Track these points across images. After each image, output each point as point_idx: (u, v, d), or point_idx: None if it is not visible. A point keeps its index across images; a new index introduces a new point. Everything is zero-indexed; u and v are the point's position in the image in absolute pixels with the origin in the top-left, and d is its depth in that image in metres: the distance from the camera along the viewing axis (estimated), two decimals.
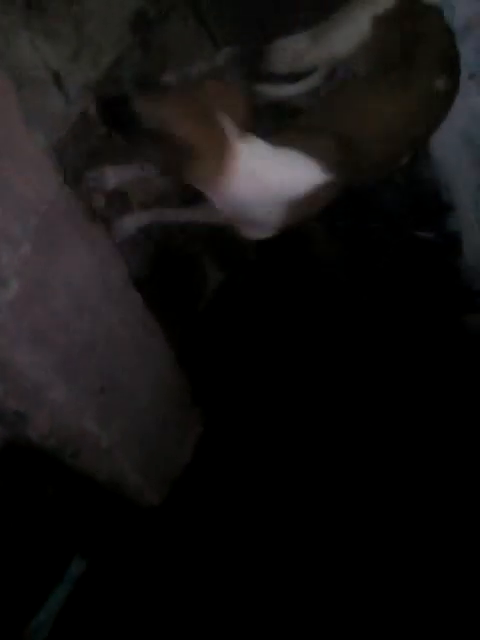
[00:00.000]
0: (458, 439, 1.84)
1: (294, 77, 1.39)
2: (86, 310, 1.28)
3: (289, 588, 1.63)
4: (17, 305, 1.09)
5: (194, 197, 1.67)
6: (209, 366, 1.88)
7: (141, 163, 1.43)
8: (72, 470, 1.45)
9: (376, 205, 1.80)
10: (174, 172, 1.14)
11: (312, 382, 1.96)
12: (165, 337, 1.61)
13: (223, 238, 1.77)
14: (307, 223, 1.50)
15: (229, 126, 1.11)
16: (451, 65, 1.31)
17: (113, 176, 1.40)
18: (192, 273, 1.95)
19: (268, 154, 1.18)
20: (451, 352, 1.97)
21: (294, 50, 1.32)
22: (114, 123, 1.13)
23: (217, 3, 1.49)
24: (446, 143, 1.50)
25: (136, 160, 1.45)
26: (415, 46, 1.25)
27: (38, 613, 1.52)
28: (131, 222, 1.49)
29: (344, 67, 1.32)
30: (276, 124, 1.39)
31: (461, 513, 1.69)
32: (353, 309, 2.09)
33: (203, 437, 1.81)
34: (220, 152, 1.11)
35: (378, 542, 1.67)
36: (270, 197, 1.21)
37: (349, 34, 1.26)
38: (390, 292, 2.03)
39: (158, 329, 1.58)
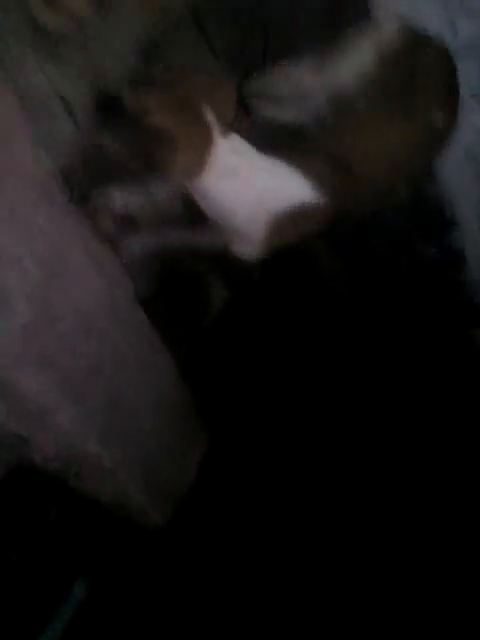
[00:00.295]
0: (464, 453, 1.83)
1: (294, 100, 1.40)
2: (93, 332, 1.28)
3: (294, 611, 1.61)
4: (25, 329, 1.09)
5: (199, 219, 1.69)
6: (214, 384, 1.88)
7: (148, 186, 1.44)
8: (75, 491, 1.45)
9: (378, 221, 1.80)
10: (158, 166, 1.12)
11: (317, 399, 1.95)
12: (170, 355, 1.61)
13: (228, 257, 1.78)
14: (304, 241, 1.51)
15: (213, 120, 1.11)
16: (451, 100, 1.33)
17: (119, 197, 1.41)
18: (197, 291, 1.95)
19: (252, 156, 1.19)
20: (456, 367, 1.96)
21: (296, 76, 1.33)
22: (108, 122, 1.13)
23: (220, 19, 1.50)
24: (449, 160, 1.51)
25: (143, 182, 1.46)
26: (416, 79, 1.27)
27: (41, 636, 1.50)
28: (137, 243, 1.49)
29: (345, 95, 1.33)
30: (276, 143, 1.40)
31: (468, 532, 1.68)
32: (357, 326, 2.08)
33: (207, 456, 1.81)
34: (201, 145, 1.12)
35: (383, 567, 1.66)
36: (251, 200, 1.21)
37: (352, 64, 1.28)
38: (394, 308, 2.03)
39: (163, 348, 1.58)
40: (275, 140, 1.27)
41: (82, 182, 1.33)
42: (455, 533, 1.68)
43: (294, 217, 1.25)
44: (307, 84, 1.32)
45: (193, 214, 1.68)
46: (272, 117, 1.53)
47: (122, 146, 1.13)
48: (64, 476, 1.37)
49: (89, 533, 1.62)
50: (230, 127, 1.15)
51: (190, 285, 1.93)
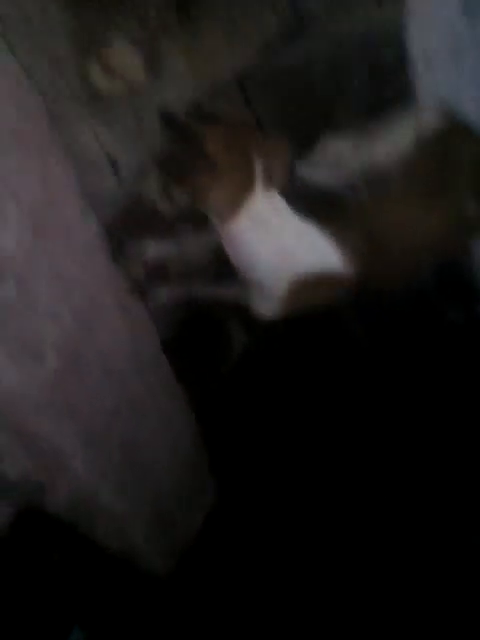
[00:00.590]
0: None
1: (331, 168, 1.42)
2: (115, 379, 1.29)
3: None
4: (52, 379, 1.10)
5: (226, 273, 1.72)
6: (227, 433, 1.86)
7: (181, 239, 1.47)
8: (82, 537, 1.43)
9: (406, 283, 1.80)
10: (197, 196, 1.16)
11: (331, 456, 1.92)
12: (187, 403, 1.61)
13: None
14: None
15: (260, 172, 1.15)
16: None
17: (154, 248, 1.44)
18: (218, 336, 1.97)
19: (286, 214, 1.21)
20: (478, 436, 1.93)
21: (336, 152, 1.36)
22: (172, 136, 1.16)
23: (264, 87, 1.56)
24: None
25: (178, 236, 1.50)
26: (452, 167, 1.28)
27: None
28: (165, 295, 1.51)
29: (380, 174, 1.35)
30: (312, 207, 1.42)
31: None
32: (378, 383, 2.07)
33: (216, 506, 1.78)
34: (241, 188, 1.14)
35: (391, 613, 1.62)
36: (276, 256, 1.22)
37: (392, 146, 1.30)
38: (417, 370, 2.01)
39: (181, 395, 1.58)
40: (312, 204, 1.28)
41: (120, 233, 1.36)
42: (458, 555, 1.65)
43: (317, 282, 1.25)
44: (345, 158, 1.35)
45: (221, 268, 1.72)
46: (308, 179, 1.57)
47: (172, 163, 1.17)
48: (74, 521, 1.36)
49: (89, 579, 1.60)
50: (273, 186, 1.18)
51: (211, 329, 1.94)
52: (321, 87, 1.44)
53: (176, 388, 1.53)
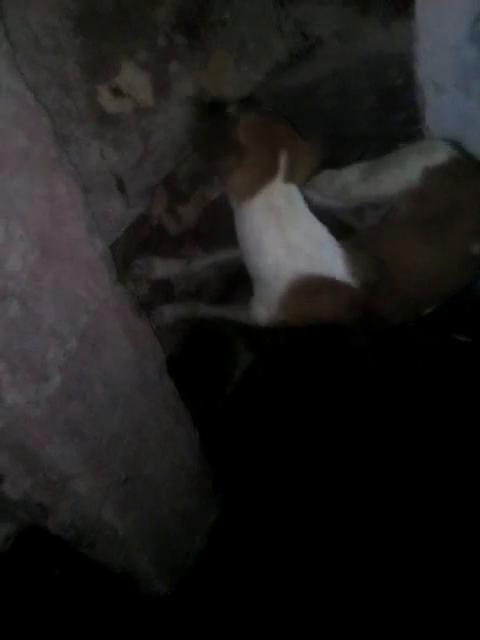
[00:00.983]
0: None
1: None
2: (120, 401, 1.28)
3: None
4: (56, 399, 1.09)
5: (230, 293, 1.72)
6: (233, 451, 1.85)
7: (188, 258, 1.47)
8: (84, 557, 1.41)
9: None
10: (221, 174, 1.22)
11: (339, 475, 1.90)
12: (192, 424, 1.59)
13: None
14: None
15: (283, 165, 1.20)
16: None
17: (160, 267, 1.44)
18: (223, 355, 1.95)
19: (301, 210, 1.23)
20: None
21: (343, 182, 1.37)
22: (205, 116, 1.26)
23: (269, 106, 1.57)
24: None
25: (183, 255, 1.50)
26: (460, 206, 1.28)
27: None
28: (170, 312, 1.52)
29: (387, 206, 1.35)
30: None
31: None
32: (384, 403, 2.05)
33: (220, 523, 1.76)
34: (262, 173, 1.19)
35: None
36: (283, 248, 1.22)
37: (399, 179, 1.30)
38: (424, 390, 1.99)
39: (185, 415, 1.57)
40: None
41: (126, 252, 1.36)
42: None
43: (318, 287, 1.24)
44: (352, 190, 1.35)
45: (225, 286, 1.72)
46: (316, 204, 1.58)
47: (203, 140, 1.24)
48: (76, 544, 1.34)
49: (91, 598, 1.58)
50: (294, 181, 1.22)
51: (217, 348, 1.93)
52: (330, 110, 1.45)
53: (180, 408, 1.52)
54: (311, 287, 1.23)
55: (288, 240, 1.21)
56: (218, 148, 1.17)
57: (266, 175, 1.18)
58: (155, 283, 1.49)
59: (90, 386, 1.17)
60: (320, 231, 1.24)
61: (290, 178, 1.20)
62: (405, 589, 1.68)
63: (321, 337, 1.98)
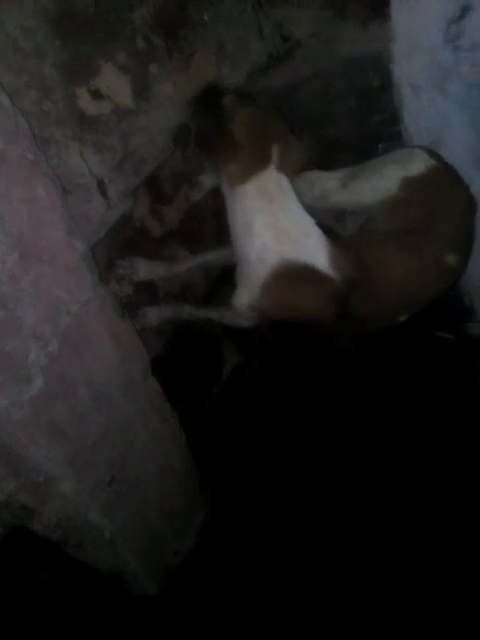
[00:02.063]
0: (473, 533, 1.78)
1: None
2: (104, 403, 1.28)
3: None
4: (39, 401, 1.09)
5: (216, 294, 1.72)
6: (220, 450, 1.85)
7: (171, 260, 1.48)
8: (72, 558, 1.41)
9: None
10: (213, 160, 1.26)
11: (325, 471, 1.92)
12: (178, 425, 1.60)
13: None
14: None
15: (276, 155, 1.24)
16: (465, 245, 1.36)
17: (143, 268, 1.44)
18: (210, 355, 1.96)
19: (291, 199, 1.26)
20: (469, 453, 1.92)
21: (322, 189, 1.38)
22: (202, 107, 1.29)
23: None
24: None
25: (167, 256, 1.50)
26: (436, 216, 1.30)
27: None
28: (154, 314, 1.52)
29: (365, 213, 1.37)
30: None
31: None
32: (370, 401, 2.06)
33: (208, 523, 1.77)
34: (255, 164, 1.22)
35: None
36: (270, 232, 1.24)
37: (377, 187, 1.32)
38: (410, 388, 2.01)
39: (172, 416, 1.57)
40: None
41: (109, 254, 1.37)
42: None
43: (302, 276, 1.25)
44: (331, 197, 1.37)
45: (210, 288, 1.72)
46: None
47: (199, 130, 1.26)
48: (63, 545, 1.34)
49: (80, 599, 1.58)
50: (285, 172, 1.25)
51: (203, 349, 1.93)
52: (310, 111, 1.46)
53: (166, 408, 1.52)
54: (294, 274, 1.25)
55: (277, 224, 1.23)
56: (214, 143, 1.21)
57: (259, 164, 1.22)
58: (139, 285, 1.49)
59: (73, 387, 1.17)
60: (308, 221, 1.26)
61: (282, 168, 1.24)
62: (394, 587, 1.70)
63: (307, 336, 2.00)
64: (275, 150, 1.23)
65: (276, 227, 1.23)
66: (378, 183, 1.31)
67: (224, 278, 1.68)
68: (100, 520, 1.38)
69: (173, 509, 1.64)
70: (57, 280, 1.04)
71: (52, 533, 1.27)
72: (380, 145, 1.39)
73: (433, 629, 1.61)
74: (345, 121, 1.44)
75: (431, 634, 1.61)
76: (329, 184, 1.37)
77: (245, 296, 1.32)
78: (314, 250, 1.24)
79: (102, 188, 1.15)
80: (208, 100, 1.27)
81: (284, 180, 1.25)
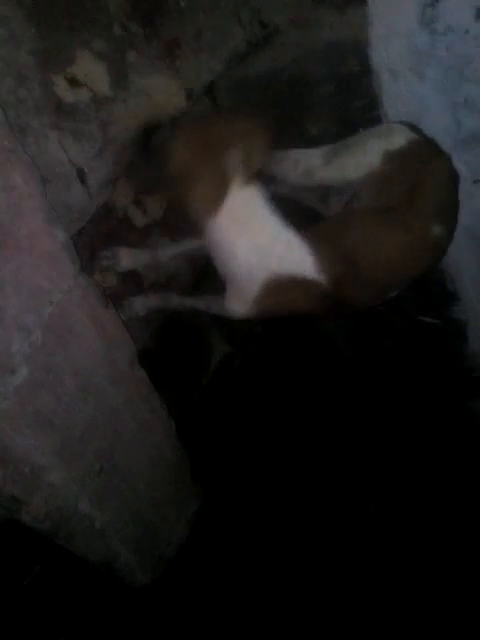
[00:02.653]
0: (460, 520, 1.80)
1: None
2: (91, 392, 1.28)
3: None
4: (24, 391, 1.09)
5: (202, 282, 1.72)
6: (210, 441, 1.86)
7: (155, 248, 1.47)
8: (63, 549, 1.41)
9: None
10: (177, 201, 1.19)
11: (315, 460, 1.93)
12: (167, 414, 1.60)
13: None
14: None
15: (234, 168, 1.16)
16: (449, 216, 1.36)
17: (126, 258, 1.44)
18: (198, 345, 1.96)
19: (264, 213, 1.22)
20: (454, 437, 1.95)
21: (306, 166, 1.38)
22: (146, 153, 1.22)
23: (236, 100, 1.58)
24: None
25: (151, 244, 1.50)
26: (420, 190, 1.30)
27: None
28: (141, 304, 1.52)
29: (350, 190, 1.37)
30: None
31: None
32: (358, 388, 2.08)
33: (200, 513, 1.77)
34: (216, 190, 1.17)
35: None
36: (252, 252, 1.23)
37: (360, 162, 1.32)
38: (395, 372, 2.03)
39: (161, 406, 1.57)
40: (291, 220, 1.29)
41: (91, 243, 1.36)
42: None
43: (291, 284, 1.26)
44: (316, 174, 1.36)
45: (197, 276, 1.72)
46: (279, 193, 1.59)
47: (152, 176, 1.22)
48: (53, 536, 1.34)
49: (73, 591, 1.58)
50: (253, 171, 1.20)
51: (191, 338, 1.94)
52: (290, 97, 1.46)
53: (154, 398, 1.52)
54: (283, 285, 1.26)
55: (258, 245, 1.22)
56: (164, 184, 1.17)
57: (221, 188, 1.17)
58: (123, 275, 1.49)
59: (59, 377, 1.17)
60: (286, 231, 1.25)
61: (246, 176, 1.18)
62: (388, 573, 1.72)
63: (295, 325, 2.01)
64: (231, 160, 1.16)
65: (258, 248, 1.23)
66: (361, 158, 1.31)
67: (210, 267, 1.69)
68: (90, 510, 1.38)
69: (164, 499, 1.64)
70: (38, 269, 1.04)
71: (41, 524, 1.27)
72: (360, 131, 1.39)
73: (426, 612, 1.64)
74: (325, 107, 1.44)
75: (424, 616, 1.63)
76: (313, 161, 1.37)
77: (238, 308, 1.34)
78: (299, 260, 1.25)
79: (82, 177, 1.15)
80: (146, 137, 1.20)
81: (253, 194, 1.21)
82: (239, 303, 1.33)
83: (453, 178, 1.33)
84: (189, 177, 1.14)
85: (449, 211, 1.35)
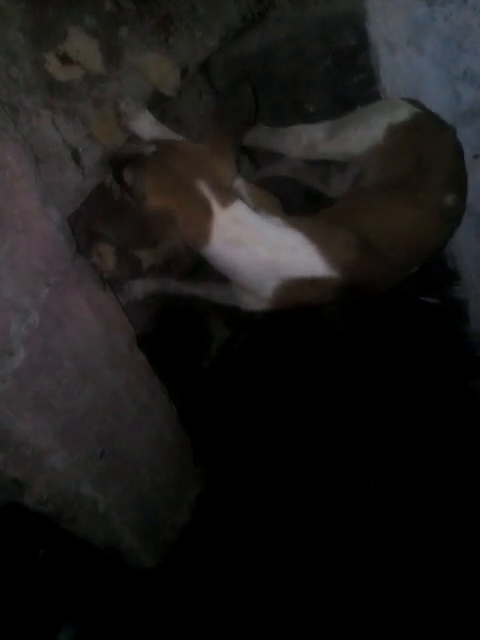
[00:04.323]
0: (461, 500, 1.81)
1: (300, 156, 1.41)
2: (90, 375, 1.28)
3: None
4: (23, 374, 1.09)
5: (200, 265, 1.71)
6: (212, 424, 1.86)
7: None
8: (66, 533, 1.42)
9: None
10: (157, 235, 1.15)
11: (317, 442, 1.93)
12: (168, 397, 1.60)
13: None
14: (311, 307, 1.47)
15: (210, 192, 1.13)
16: (460, 185, 1.33)
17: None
18: (198, 330, 1.96)
19: (257, 225, 1.18)
20: (455, 417, 1.95)
21: (309, 139, 1.36)
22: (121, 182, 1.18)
23: (232, 78, 1.55)
24: None
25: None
26: (428, 162, 1.27)
27: None
28: (140, 287, 1.51)
29: (356, 166, 1.34)
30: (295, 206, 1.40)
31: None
32: (359, 369, 2.08)
33: (204, 496, 1.78)
34: (200, 220, 1.14)
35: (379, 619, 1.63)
36: (259, 266, 1.20)
37: (363, 136, 1.29)
38: (396, 354, 2.02)
39: (161, 390, 1.57)
40: (292, 201, 1.25)
41: (88, 225, 1.35)
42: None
43: (303, 285, 1.24)
44: (319, 148, 1.34)
45: (195, 262, 1.71)
46: (277, 172, 1.57)
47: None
48: (56, 520, 1.35)
49: (78, 575, 1.59)
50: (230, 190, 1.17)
51: (191, 324, 1.93)
52: (287, 75, 1.44)
53: (155, 382, 1.52)
54: (296, 285, 1.23)
55: (262, 259, 1.19)
56: (145, 229, 1.11)
57: (204, 218, 1.13)
58: (122, 259, 1.48)
59: (57, 360, 1.17)
60: (287, 235, 1.21)
61: (226, 197, 1.15)
62: (388, 555, 1.72)
63: (296, 310, 1.99)
64: (205, 185, 1.12)
65: (263, 262, 1.19)
66: (365, 132, 1.29)
67: None
68: (93, 494, 1.39)
69: (167, 482, 1.65)
70: (33, 250, 1.03)
71: (44, 507, 1.28)
72: (359, 108, 1.37)
73: (425, 592, 1.65)
74: (323, 84, 1.41)
75: (422, 597, 1.64)
76: (316, 135, 1.34)
77: (254, 304, 1.32)
78: (308, 261, 1.21)
79: (76, 157, 1.13)
80: (115, 172, 1.15)
81: (240, 210, 1.16)
82: (254, 301, 1.31)
83: (458, 147, 1.30)
84: (170, 216, 1.11)
85: (459, 179, 1.32)
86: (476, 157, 1.32)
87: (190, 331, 1.90)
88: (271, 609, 1.67)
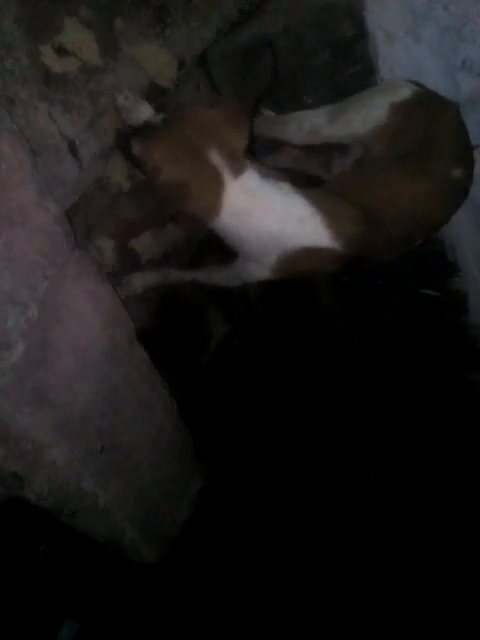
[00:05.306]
0: (461, 493, 1.81)
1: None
2: (90, 370, 1.28)
3: None
4: (21, 368, 1.09)
5: (202, 256, 1.70)
6: (213, 418, 1.86)
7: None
8: (68, 528, 1.42)
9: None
10: (174, 211, 1.14)
11: (317, 435, 1.93)
12: (168, 392, 1.60)
13: (230, 290, 1.78)
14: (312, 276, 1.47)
15: (222, 162, 1.12)
16: (466, 158, 1.33)
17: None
18: (198, 324, 1.95)
19: (267, 196, 1.19)
20: (454, 409, 1.95)
21: (311, 125, 1.35)
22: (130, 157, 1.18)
23: (230, 70, 1.55)
24: None
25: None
26: (433, 137, 1.27)
27: None
28: (138, 281, 1.50)
29: (360, 146, 1.34)
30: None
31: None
32: (359, 363, 2.07)
33: (205, 491, 1.78)
34: (212, 190, 1.13)
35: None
36: (265, 237, 1.21)
37: (367, 117, 1.29)
38: (395, 346, 2.02)
39: (161, 384, 1.57)
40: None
41: (86, 219, 1.34)
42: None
43: (307, 256, 1.25)
44: (322, 131, 1.33)
45: (195, 252, 1.70)
46: (277, 163, 1.56)
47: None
48: (57, 515, 1.34)
49: (80, 570, 1.59)
50: (245, 158, 1.16)
51: (190, 318, 1.93)
52: (284, 67, 1.43)
53: (155, 376, 1.52)
54: (300, 255, 1.24)
55: (269, 230, 1.20)
56: (160, 204, 1.10)
57: (216, 188, 1.13)
58: (121, 252, 1.47)
59: (56, 353, 1.16)
60: (294, 205, 1.21)
61: (238, 166, 1.14)
62: (388, 550, 1.73)
63: (294, 301, 1.99)
64: (216, 155, 1.11)
65: (270, 232, 1.20)
66: (368, 113, 1.29)
67: (208, 243, 1.67)
68: (93, 488, 1.38)
69: (168, 477, 1.65)
70: (31, 243, 1.02)
71: (45, 501, 1.28)
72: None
73: (425, 586, 1.65)
74: (320, 75, 1.41)
75: (422, 591, 1.64)
76: (318, 120, 1.34)
77: (257, 273, 1.32)
78: (313, 232, 1.22)
79: (73, 149, 1.12)
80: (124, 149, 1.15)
81: (250, 180, 1.16)
82: (259, 270, 1.30)
83: (463, 124, 1.30)
84: (180, 186, 1.09)
85: (466, 152, 1.32)
86: (476, 148, 1.31)
87: (189, 326, 1.89)
88: (272, 603, 1.67)
